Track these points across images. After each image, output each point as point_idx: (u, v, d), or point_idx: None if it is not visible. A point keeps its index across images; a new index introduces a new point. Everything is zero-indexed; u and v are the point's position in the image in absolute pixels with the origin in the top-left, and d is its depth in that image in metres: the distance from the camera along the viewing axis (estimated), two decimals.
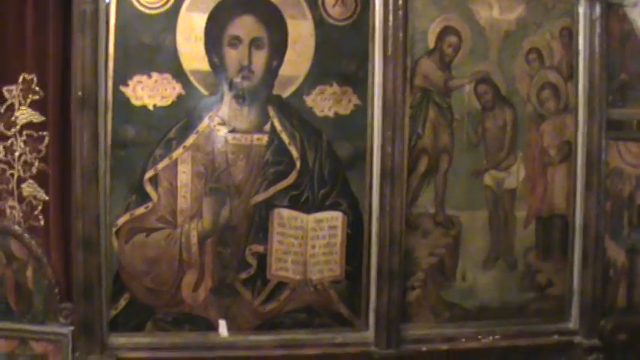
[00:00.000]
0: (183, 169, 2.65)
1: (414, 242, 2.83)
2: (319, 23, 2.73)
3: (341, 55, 2.76)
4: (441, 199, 2.84)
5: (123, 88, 2.63)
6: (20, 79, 2.68)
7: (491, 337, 2.89)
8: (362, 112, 2.77)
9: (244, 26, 2.68)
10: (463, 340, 2.87)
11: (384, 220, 2.76)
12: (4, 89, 2.68)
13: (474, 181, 2.86)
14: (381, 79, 2.76)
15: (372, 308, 2.82)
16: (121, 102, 2.64)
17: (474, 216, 2.87)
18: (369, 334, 2.82)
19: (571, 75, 2.93)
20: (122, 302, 2.69)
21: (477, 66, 2.83)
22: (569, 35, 2.91)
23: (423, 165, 2.82)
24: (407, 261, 2.82)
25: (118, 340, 2.71)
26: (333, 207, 2.76)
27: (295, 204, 2.72)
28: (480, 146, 2.86)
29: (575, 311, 2.99)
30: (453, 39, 2.82)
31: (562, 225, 2.98)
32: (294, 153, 2.70)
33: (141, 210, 2.64)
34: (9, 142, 2.69)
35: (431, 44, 2.82)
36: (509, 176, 2.90)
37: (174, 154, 2.65)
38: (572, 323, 2.99)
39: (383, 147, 2.76)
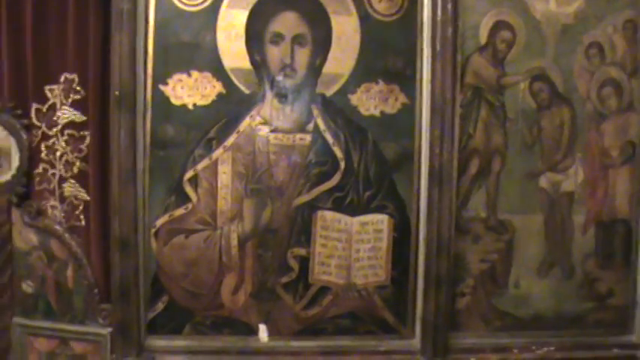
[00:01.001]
0: (223, 170, 2.68)
1: (464, 247, 2.79)
2: (364, 19, 2.72)
3: (387, 51, 2.75)
4: (493, 202, 2.80)
5: (162, 87, 2.68)
6: (62, 79, 2.75)
7: (545, 349, 2.83)
8: (409, 111, 2.75)
9: (286, 23, 2.69)
10: (515, 350, 2.83)
11: (433, 224, 2.74)
12: (46, 89, 2.77)
13: (529, 184, 2.81)
14: (429, 77, 2.74)
15: (418, 315, 2.80)
16: (161, 101, 2.69)
17: (529, 220, 2.82)
18: (415, 342, 2.81)
19: (635, 71, 2.84)
20: (160, 305, 2.75)
21: (532, 62, 2.78)
22: (633, 28, 2.83)
23: (473, 166, 2.79)
24: (456, 266, 2.80)
25: (156, 342, 2.76)
26: (379, 210, 2.76)
27: (339, 206, 2.72)
28: (535, 147, 2.81)
29: (638, 324, 2.90)
30: (506, 34, 2.78)
31: (624, 231, 2.90)
32: (339, 153, 2.70)
33: (180, 211, 2.69)
34: (51, 141, 2.77)
35: (482, 40, 2.78)
36: (567, 179, 2.84)
37: (215, 155, 2.68)
38: (635, 336, 2.92)
39: (431, 147, 2.73)
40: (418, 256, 2.80)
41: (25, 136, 2.79)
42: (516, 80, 2.80)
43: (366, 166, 2.74)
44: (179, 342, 2.77)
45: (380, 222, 2.76)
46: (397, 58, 2.76)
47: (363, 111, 2.74)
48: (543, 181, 2.85)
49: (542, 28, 2.79)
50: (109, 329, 2.75)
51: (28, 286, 2.81)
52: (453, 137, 2.77)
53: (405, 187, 2.78)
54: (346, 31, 2.73)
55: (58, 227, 2.77)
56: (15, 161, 2.79)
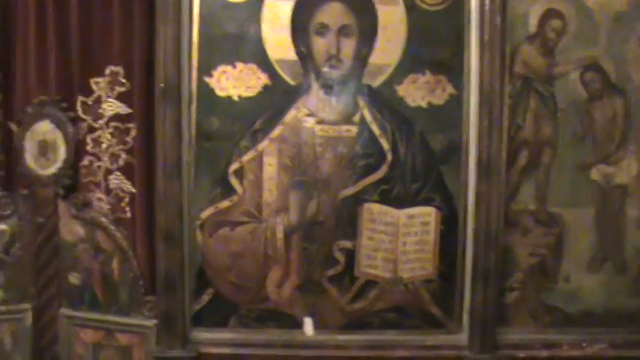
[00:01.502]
0: (269, 162, 2.72)
1: (513, 241, 2.80)
2: (411, 8, 2.74)
3: (434, 41, 2.76)
4: (542, 195, 2.80)
5: (207, 79, 2.73)
6: (107, 72, 2.82)
7: (596, 346, 2.83)
8: (457, 101, 2.76)
9: (332, 13, 2.72)
10: (565, 347, 2.83)
11: (481, 217, 2.74)
12: (92, 81, 2.84)
13: (580, 176, 2.81)
14: (477, 67, 2.74)
15: (466, 310, 2.81)
16: (206, 93, 2.74)
17: (579, 214, 2.82)
18: (463, 337, 2.82)
19: None
20: (205, 297, 2.80)
21: (584, 51, 2.77)
22: None
23: (523, 158, 2.79)
24: (504, 260, 2.79)
25: (201, 335, 2.82)
26: (426, 202, 2.77)
27: (386, 198, 2.75)
28: (586, 138, 2.81)
29: None
30: (556, 22, 2.77)
31: None
32: (385, 145, 2.73)
33: (225, 203, 2.74)
34: (96, 134, 2.84)
35: (532, 28, 2.77)
36: (620, 171, 2.82)
37: (260, 146, 2.72)
38: None
39: (479, 139, 2.73)
40: (466, 249, 2.80)
41: (71, 129, 2.85)
42: (567, 70, 2.80)
43: (412, 158, 2.76)
44: (224, 335, 2.82)
45: (427, 215, 2.78)
46: (444, 49, 2.77)
47: (409, 102, 2.76)
48: (595, 174, 2.83)
49: (595, 15, 2.78)
50: (154, 321, 2.79)
51: (74, 278, 2.89)
52: (502, 128, 2.76)
53: (453, 180, 2.79)
54: (392, 21, 2.75)
55: (104, 219, 2.83)
56: (61, 154, 2.87)
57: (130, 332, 2.84)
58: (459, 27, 2.78)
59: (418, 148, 2.76)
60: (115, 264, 2.83)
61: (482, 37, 2.74)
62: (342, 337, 2.83)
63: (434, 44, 2.77)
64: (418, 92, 2.76)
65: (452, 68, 2.77)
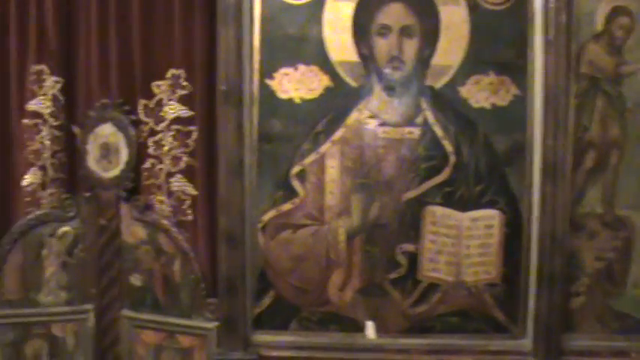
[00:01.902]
0: (331, 164, 2.77)
1: (579, 244, 2.80)
2: (473, 8, 2.76)
3: (497, 42, 2.77)
4: (610, 197, 2.80)
5: (269, 81, 2.80)
6: (169, 75, 2.90)
7: None
8: (521, 102, 2.77)
9: (393, 14, 2.76)
10: (634, 354, 2.82)
11: (546, 220, 2.75)
12: (154, 85, 2.92)
13: None
14: (542, 67, 2.75)
15: (530, 315, 2.82)
16: (267, 95, 2.80)
17: None
18: (527, 342, 2.83)
19: None
20: (267, 300, 2.86)
21: None
22: None
23: (589, 160, 2.79)
24: (570, 265, 2.80)
25: (262, 337, 2.89)
26: (490, 205, 2.79)
27: (449, 201, 2.77)
28: None
29: None
30: (624, 20, 2.77)
31: None
32: (448, 147, 2.75)
33: (287, 206, 2.80)
34: (158, 137, 2.93)
35: (598, 27, 2.77)
36: None
37: (322, 149, 2.78)
38: None
39: (544, 140, 2.74)
40: (530, 253, 2.81)
41: (133, 132, 2.94)
42: (635, 69, 2.79)
43: (476, 160, 2.78)
44: (285, 337, 2.88)
45: (491, 217, 2.79)
46: (508, 49, 2.78)
47: (473, 103, 2.78)
48: None
49: None
50: (216, 323, 2.86)
51: (136, 280, 2.98)
52: (567, 129, 2.77)
53: (517, 182, 2.80)
54: (455, 21, 2.77)
55: (165, 222, 2.91)
56: (123, 156, 2.96)
57: (191, 334, 2.91)
58: (522, 26, 2.79)
59: (482, 150, 2.78)
60: (176, 266, 2.90)
61: (547, 37, 2.74)
62: (403, 341, 2.86)
63: (497, 44, 2.79)
64: (482, 93, 2.78)
65: (516, 68, 2.79)
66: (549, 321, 2.81)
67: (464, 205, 2.80)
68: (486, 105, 2.78)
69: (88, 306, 3.02)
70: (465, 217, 2.78)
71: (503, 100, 2.79)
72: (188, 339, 2.93)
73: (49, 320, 3.03)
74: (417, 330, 2.86)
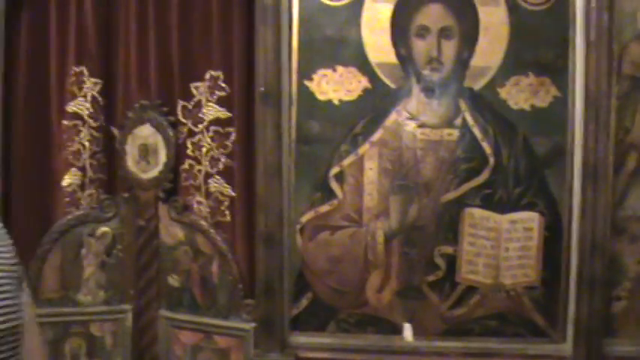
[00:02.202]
0: (369, 166, 2.83)
1: (620, 248, 2.82)
2: (513, 9, 2.79)
3: (537, 42, 2.80)
4: None
5: (307, 83, 2.86)
6: (207, 76, 2.98)
7: None
8: (561, 104, 2.80)
9: (432, 15, 2.81)
10: None
11: (586, 223, 2.77)
12: (192, 86, 3.00)
13: None
14: (583, 68, 2.76)
15: (570, 319, 2.83)
16: (306, 97, 2.86)
17: None
18: (567, 347, 2.85)
19: None
20: (304, 301, 2.92)
21: None
22: None
23: (631, 162, 2.81)
24: (611, 268, 2.80)
25: (299, 339, 2.94)
26: (529, 207, 2.82)
27: (488, 203, 2.81)
28: None
29: None
30: None
31: None
32: (487, 149, 2.79)
33: (326, 207, 2.86)
34: (197, 138, 3.00)
35: None
36: None
37: (361, 150, 2.83)
38: None
39: (585, 142, 2.76)
40: (570, 256, 2.83)
41: (171, 133, 3.02)
42: None
43: (515, 162, 2.81)
44: (322, 339, 2.93)
45: (530, 220, 2.82)
46: (548, 49, 2.81)
47: (512, 105, 2.81)
48: None
49: None
50: (253, 324, 2.92)
51: (174, 280, 3.06)
52: (609, 131, 2.77)
53: (557, 184, 2.83)
54: (494, 22, 2.81)
55: (203, 223, 2.99)
56: (162, 158, 3.05)
57: (228, 335, 2.98)
58: (563, 27, 2.81)
59: (521, 151, 2.81)
60: (214, 267, 2.97)
61: (589, 37, 2.77)
62: (441, 344, 2.89)
63: (537, 45, 2.81)
64: (521, 95, 2.81)
65: (556, 69, 2.81)
66: (590, 325, 2.82)
67: (503, 208, 2.83)
68: (526, 106, 2.82)
69: (126, 306, 3.11)
70: (504, 220, 2.82)
71: (543, 101, 2.82)
72: (225, 340, 2.99)
73: (88, 319, 3.12)
74: (454, 333, 2.89)
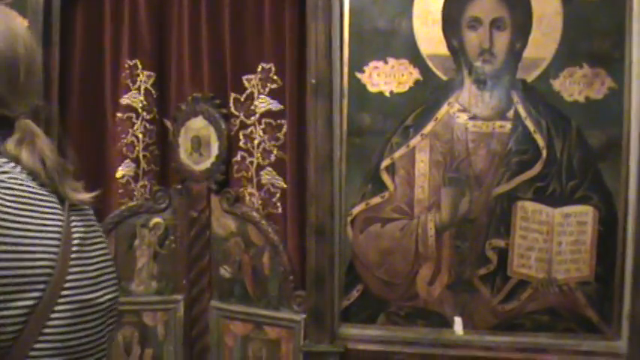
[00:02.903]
0: (421, 158, 2.98)
1: None
2: None
3: (592, 33, 2.89)
4: None
5: (358, 75, 3.02)
6: (259, 69, 3.16)
7: None
8: (617, 96, 2.88)
9: (484, 6, 2.93)
10: None
11: None
12: (244, 79, 3.19)
13: None
14: (639, 59, 2.84)
15: (625, 315, 2.91)
16: (357, 89, 3.02)
17: None
18: (621, 344, 2.93)
19: None
20: (355, 293, 3.08)
21: None
22: None
23: None
24: None
25: (349, 331, 3.10)
26: (583, 201, 2.91)
27: (540, 196, 2.92)
28: None
29: None
30: None
31: None
32: (540, 141, 2.91)
33: (377, 199, 3.02)
34: (249, 130, 3.19)
35: None
36: None
37: (412, 142, 2.98)
38: None
39: None
40: (626, 251, 2.91)
41: (224, 125, 3.22)
42: None
43: (569, 155, 2.92)
44: (372, 331, 3.08)
45: (584, 214, 2.92)
46: (603, 40, 2.89)
47: (566, 97, 2.92)
48: None
49: None
50: (303, 316, 3.09)
51: (225, 271, 3.26)
52: None
53: (612, 178, 2.91)
54: (547, 12, 2.92)
55: (255, 214, 3.17)
56: (214, 150, 3.24)
57: (278, 326, 3.16)
58: (619, 17, 2.89)
59: (575, 144, 2.91)
60: (265, 258, 3.16)
61: None
62: (491, 338, 3.01)
63: (592, 36, 2.90)
64: (575, 86, 2.91)
65: (611, 61, 2.89)
66: None
67: (556, 201, 2.93)
68: (580, 98, 2.92)
69: (178, 296, 3.31)
70: (557, 213, 2.93)
71: (597, 93, 2.91)
72: (275, 330, 3.17)
73: (141, 309, 3.33)
74: (505, 327, 3.00)
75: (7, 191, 1.06)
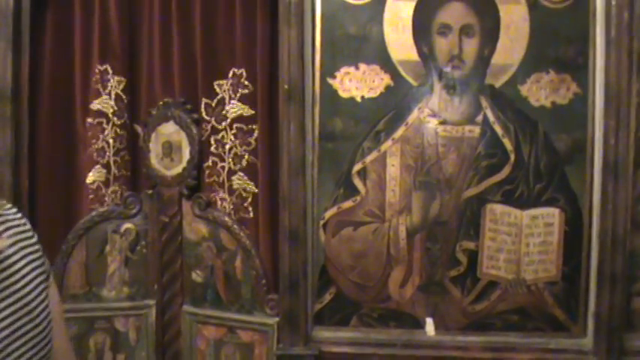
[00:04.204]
0: (392, 162, 3.06)
1: None
2: (533, 7, 3.00)
3: (558, 40, 3.01)
4: None
5: (330, 80, 3.09)
6: (230, 74, 3.22)
7: None
8: (582, 101, 3.01)
9: (454, 13, 3.03)
10: None
11: (606, 219, 2.97)
12: (215, 84, 3.24)
13: None
14: (603, 65, 2.96)
15: (591, 314, 3.04)
16: (329, 94, 3.09)
17: None
18: (587, 341, 3.06)
19: None
20: (327, 296, 3.16)
21: None
22: None
23: None
24: (632, 264, 3.01)
25: (322, 334, 3.17)
26: (550, 203, 3.03)
27: (509, 199, 3.03)
28: None
29: None
30: None
31: None
32: (508, 145, 3.02)
33: (349, 203, 3.10)
34: (220, 135, 3.24)
35: None
36: None
37: (383, 147, 3.07)
38: None
39: (605, 139, 2.96)
40: (591, 251, 3.04)
41: (195, 131, 3.26)
42: None
43: (536, 159, 3.03)
44: (345, 334, 3.16)
45: (551, 215, 3.04)
46: (569, 47, 3.02)
47: (533, 102, 3.03)
48: None
49: None
50: (276, 319, 3.15)
51: (197, 276, 3.30)
52: (629, 128, 2.97)
53: (577, 180, 3.04)
54: (515, 20, 3.03)
55: (227, 219, 3.22)
56: (186, 155, 3.29)
57: (251, 330, 3.21)
58: (583, 24, 3.02)
59: (542, 148, 3.03)
60: (237, 262, 3.21)
61: (609, 34, 2.97)
62: (462, 339, 3.11)
63: (558, 42, 3.03)
64: (542, 92, 3.03)
65: (577, 67, 3.02)
66: (610, 320, 3.02)
67: (523, 203, 3.05)
68: (546, 103, 3.04)
69: (150, 301, 3.34)
70: (525, 215, 3.04)
71: (563, 98, 3.04)
72: (249, 334, 3.22)
73: (112, 315, 3.35)
74: (476, 327, 3.11)
75: None
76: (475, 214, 3.07)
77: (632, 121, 3.00)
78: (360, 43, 3.08)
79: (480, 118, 3.05)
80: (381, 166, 3.07)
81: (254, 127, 3.19)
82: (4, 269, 1.17)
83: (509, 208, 3.05)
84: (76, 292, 3.33)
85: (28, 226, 1.34)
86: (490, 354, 3.12)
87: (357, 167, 3.08)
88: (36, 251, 1.37)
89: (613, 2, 2.96)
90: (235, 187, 3.22)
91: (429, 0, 3.07)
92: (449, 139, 3.05)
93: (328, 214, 3.11)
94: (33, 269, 1.27)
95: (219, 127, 3.24)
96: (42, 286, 1.23)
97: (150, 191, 3.31)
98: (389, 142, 3.06)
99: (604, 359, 3.05)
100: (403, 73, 3.07)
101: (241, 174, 3.21)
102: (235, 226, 3.20)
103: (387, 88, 3.07)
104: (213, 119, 3.25)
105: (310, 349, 3.16)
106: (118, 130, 3.32)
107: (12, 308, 1.16)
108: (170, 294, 3.33)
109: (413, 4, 3.07)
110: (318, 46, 3.10)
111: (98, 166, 3.33)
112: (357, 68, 3.07)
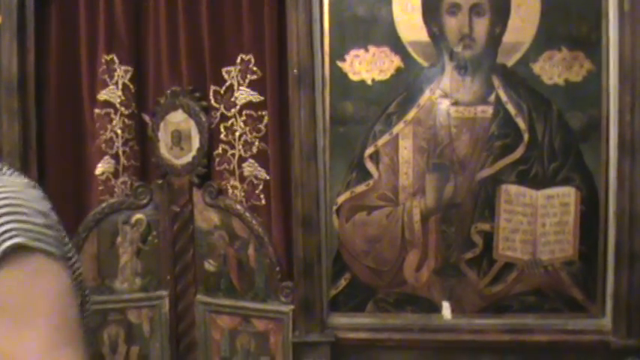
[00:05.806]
0: (404, 145, 3.08)
1: None
2: None
3: (570, 16, 3.01)
4: None
5: (340, 64, 3.11)
6: (238, 60, 3.23)
7: None
8: (596, 77, 3.01)
9: None
10: None
11: (623, 196, 2.98)
12: (224, 71, 3.25)
13: None
14: (617, 40, 2.96)
15: (609, 293, 3.05)
16: (339, 77, 3.11)
17: None
18: (606, 321, 3.07)
19: None
20: (343, 282, 3.18)
21: None
22: None
23: None
24: None
25: (338, 320, 3.20)
26: (565, 182, 3.04)
27: (523, 179, 3.04)
28: None
29: None
30: None
31: None
32: (522, 125, 3.02)
33: (362, 187, 3.11)
34: (229, 122, 3.26)
35: None
36: None
37: (395, 129, 3.08)
38: None
39: (621, 115, 2.96)
40: (608, 230, 3.05)
41: (204, 118, 3.28)
42: None
43: (550, 138, 3.04)
44: (361, 319, 3.19)
45: (566, 195, 3.05)
46: (581, 23, 3.02)
47: (546, 80, 3.04)
48: None
49: None
50: (291, 307, 3.18)
51: (210, 265, 3.32)
52: None
53: (593, 158, 3.04)
54: None
55: (238, 207, 3.24)
56: (195, 143, 3.31)
57: (266, 318, 3.23)
58: (596, 0, 3.01)
59: (556, 126, 3.04)
60: (250, 250, 3.23)
61: (622, 9, 2.96)
62: (479, 321, 3.13)
63: (570, 19, 3.03)
64: (555, 69, 3.04)
65: (590, 43, 3.02)
66: (629, 299, 3.03)
67: (539, 183, 3.06)
68: (560, 81, 3.04)
69: (163, 292, 3.37)
70: (540, 195, 3.05)
71: (577, 75, 3.04)
72: (263, 323, 3.24)
73: (125, 307, 3.38)
74: (493, 310, 3.13)
75: None
76: (490, 195, 3.08)
77: None
78: (369, 24, 3.09)
79: (492, 97, 3.06)
80: (394, 149, 3.08)
81: (264, 113, 3.20)
82: None
83: (524, 189, 3.07)
84: (88, 285, 3.31)
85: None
86: (508, 336, 3.14)
87: (370, 151, 3.09)
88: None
89: None
90: (246, 174, 3.24)
91: None
92: (461, 119, 3.06)
93: (341, 199, 3.13)
94: None
95: (229, 114, 3.25)
96: None
97: (160, 181, 3.33)
98: (401, 125, 3.08)
99: (624, 339, 3.06)
100: (413, 54, 3.07)
101: (252, 161, 3.23)
102: (247, 214, 3.21)
103: (398, 69, 3.08)
104: (222, 106, 3.26)
105: (327, 336, 3.19)
106: (126, 120, 3.34)
107: None
108: (183, 284, 3.35)
109: None
110: (326, 29, 3.11)
111: (107, 157, 3.35)
112: (366, 50, 3.09)
